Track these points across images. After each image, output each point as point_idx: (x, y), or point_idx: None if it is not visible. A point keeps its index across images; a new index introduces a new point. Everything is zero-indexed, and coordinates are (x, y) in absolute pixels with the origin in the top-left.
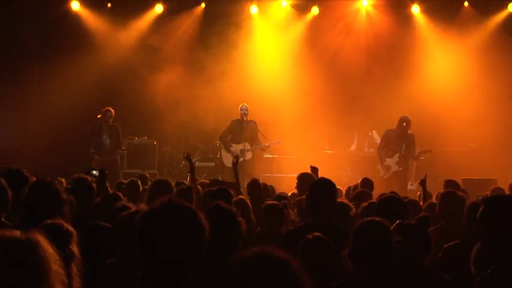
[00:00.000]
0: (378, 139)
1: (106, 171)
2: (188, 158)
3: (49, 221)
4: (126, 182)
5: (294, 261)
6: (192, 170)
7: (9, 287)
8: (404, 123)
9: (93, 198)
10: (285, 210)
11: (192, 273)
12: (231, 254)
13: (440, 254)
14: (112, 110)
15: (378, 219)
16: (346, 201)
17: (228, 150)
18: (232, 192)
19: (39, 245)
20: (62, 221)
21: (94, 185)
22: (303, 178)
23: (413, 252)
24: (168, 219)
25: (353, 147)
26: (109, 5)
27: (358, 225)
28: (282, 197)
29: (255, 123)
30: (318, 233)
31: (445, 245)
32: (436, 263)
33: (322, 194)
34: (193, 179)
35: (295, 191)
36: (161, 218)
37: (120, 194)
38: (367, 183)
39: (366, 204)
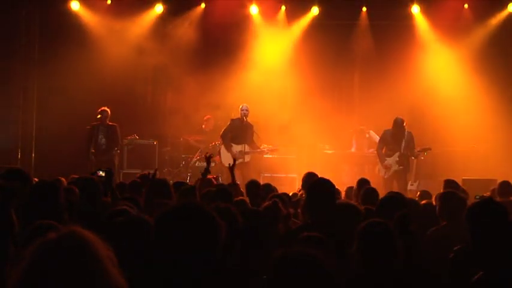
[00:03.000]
0: (376, 138)
1: (113, 172)
2: (208, 160)
3: (41, 221)
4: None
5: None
6: (206, 171)
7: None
8: (404, 123)
9: (99, 198)
10: (279, 208)
11: (205, 273)
12: (227, 254)
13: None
14: (108, 110)
15: (381, 220)
16: (353, 201)
17: (228, 150)
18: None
19: (87, 235)
20: (53, 222)
21: (100, 185)
22: (308, 177)
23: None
24: (185, 219)
25: (353, 150)
26: (109, 1)
27: (363, 226)
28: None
29: (252, 125)
30: (314, 233)
31: (455, 248)
32: (438, 263)
33: (320, 194)
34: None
35: (296, 191)
36: (178, 218)
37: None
38: (364, 183)
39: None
